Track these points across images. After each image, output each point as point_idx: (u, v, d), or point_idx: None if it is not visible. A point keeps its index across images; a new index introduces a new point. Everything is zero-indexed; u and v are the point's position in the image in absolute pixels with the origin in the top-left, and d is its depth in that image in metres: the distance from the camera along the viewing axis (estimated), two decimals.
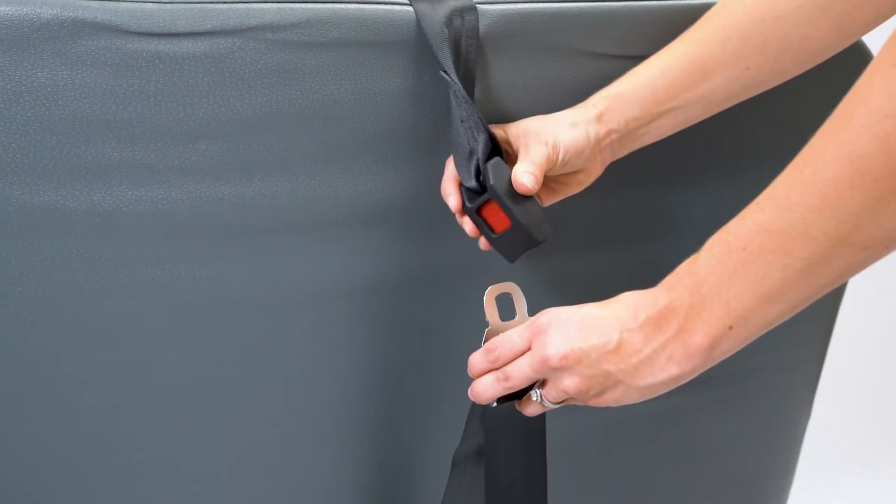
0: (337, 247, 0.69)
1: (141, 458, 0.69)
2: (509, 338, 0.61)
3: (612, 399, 0.58)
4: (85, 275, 0.63)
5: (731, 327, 0.52)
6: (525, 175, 0.63)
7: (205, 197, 0.64)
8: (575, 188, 0.70)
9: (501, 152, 0.65)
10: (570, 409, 0.80)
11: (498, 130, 0.68)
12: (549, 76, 0.71)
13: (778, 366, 0.93)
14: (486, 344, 0.63)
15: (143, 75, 0.60)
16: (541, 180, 0.64)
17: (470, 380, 0.65)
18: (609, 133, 0.67)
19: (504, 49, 0.68)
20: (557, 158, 0.65)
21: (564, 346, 0.57)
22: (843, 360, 1.45)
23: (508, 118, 0.70)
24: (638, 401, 0.58)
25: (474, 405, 0.67)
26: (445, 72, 0.63)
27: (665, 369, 0.55)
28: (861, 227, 0.46)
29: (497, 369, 0.62)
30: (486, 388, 0.63)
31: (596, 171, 0.69)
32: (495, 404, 0.64)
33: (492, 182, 0.63)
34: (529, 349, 0.60)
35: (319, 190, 0.67)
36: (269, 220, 0.66)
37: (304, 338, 0.71)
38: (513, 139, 0.68)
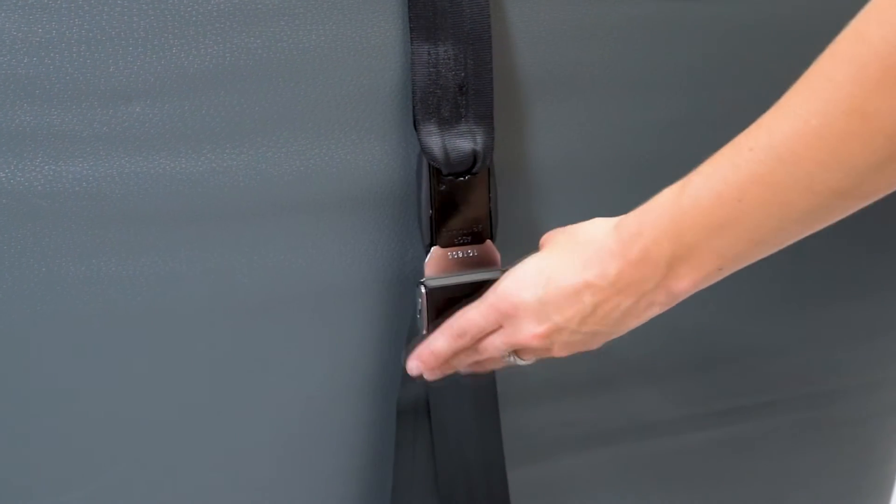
0: (308, 236, 0.68)
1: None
2: (473, 321, 0.65)
3: (597, 345, 0.65)
4: None
5: (720, 269, 0.58)
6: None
7: (140, 173, 0.62)
8: None
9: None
10: (616, 439, 0.82)
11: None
12: (573, 20, 0.70)
13: (866, 385, 0.91)
14: (453, 328, 0.66)
15: (64, 19, 0.58)
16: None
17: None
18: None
19: None
20: None
21: (540, 326, 0.62)
22: None
23: (527, 73, 0.69)
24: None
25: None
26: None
27: (648, 312, 0.61)
28: (866, 181, 0.51)
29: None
30: (458, 364, 0.69)
31: None
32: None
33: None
34: (500, 327, 0.65)
35: (285, 165, 0.65)
36: (222, 202, 0.65)
37: (270, 349, 0.70)
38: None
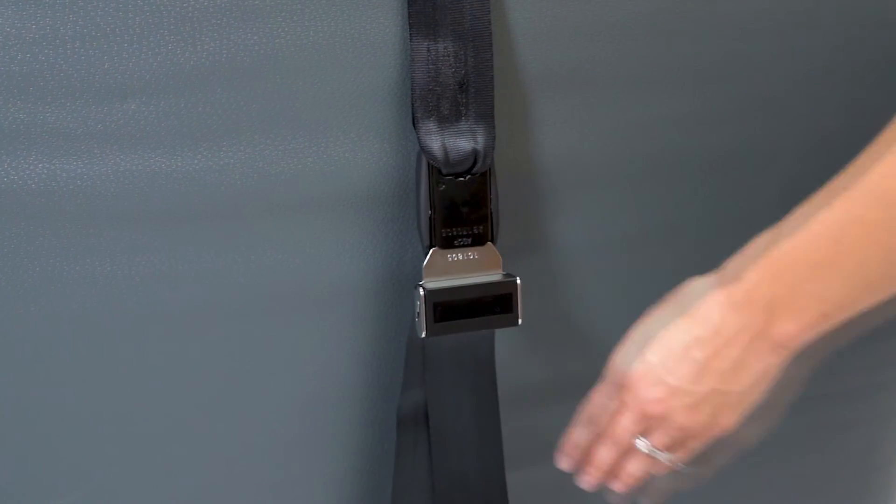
0: (306, 235, 0.68)
1: None
2: (595, 400, 0.68)
3: (728, 418, 0.64)
4: None
5: (823, 314, 0.58)
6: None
7: (136, 171, 0.62)
8: None
9: None
10: None
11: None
12: (575, 17, 0.69)
13: (869, 387, 0.90)
14: (582, 413, 0.69)
15: (58, 15, 0.58)
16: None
17: None
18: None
19: None
20: None
21: (656, 390, 0.63)
22: None
23: (528, 70, 0.69)
24: (752, 407, 0.64)
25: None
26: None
27: (758, 364, 0.61)
28: None
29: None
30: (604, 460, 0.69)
31: None
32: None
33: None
34: (624, 406, 0.65)
35: (283, 163, 0.65)
36: (219, 201, 0.65)
37: (266, 349, 0.70)
38: None
